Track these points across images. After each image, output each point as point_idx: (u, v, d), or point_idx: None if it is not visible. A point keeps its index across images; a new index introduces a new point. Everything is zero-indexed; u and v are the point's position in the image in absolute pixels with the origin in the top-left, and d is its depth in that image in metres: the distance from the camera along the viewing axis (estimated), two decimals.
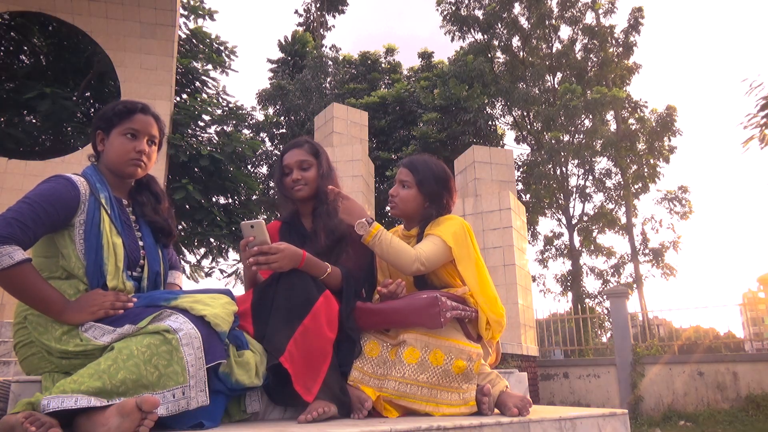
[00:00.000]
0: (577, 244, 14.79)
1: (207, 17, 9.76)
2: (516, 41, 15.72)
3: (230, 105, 10.21)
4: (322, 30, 20.91)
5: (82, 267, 1.46)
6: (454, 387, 1.69)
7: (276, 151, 15.56)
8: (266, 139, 15.74)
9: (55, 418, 1.16)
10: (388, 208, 2.10)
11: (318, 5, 21.18)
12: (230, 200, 9.67)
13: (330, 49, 18.22)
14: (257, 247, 1.67)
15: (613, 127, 14.85)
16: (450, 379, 1.70)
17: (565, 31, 17.97)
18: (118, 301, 1.42)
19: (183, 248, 9.76)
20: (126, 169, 1.60)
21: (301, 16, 21.42)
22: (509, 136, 28.69)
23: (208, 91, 10.11)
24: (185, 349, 1.28)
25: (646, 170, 14.23)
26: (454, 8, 15.61)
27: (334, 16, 21.64)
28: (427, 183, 2.01)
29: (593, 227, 14.84)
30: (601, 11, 15.52)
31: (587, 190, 14.72)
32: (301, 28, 20.51)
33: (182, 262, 10.20)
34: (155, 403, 1.16)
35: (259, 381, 1.51)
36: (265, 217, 13.55)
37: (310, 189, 1.97)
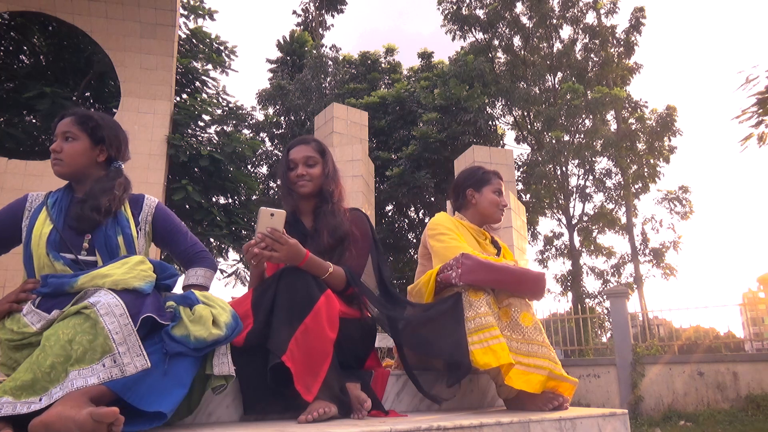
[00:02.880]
0: (577, 244, 14.80)
1: (207, 17, 9.76)
2: (517, 41, 15.74)
3: (230, 105, 10.20)
4: (321, 30, 20.91)
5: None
6: (548, 343, 1.88)
7: (276, 151, 15.56)
8: (266, 139, 15.74)
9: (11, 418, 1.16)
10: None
11: (317, 5, 21.18)
12: (230, 200, 9.66)
13: (330, 49, 18.23)
14: (269, 228, 1.68)
15: (613, 127, 14.85)
16: (544, 336, 1.88)
17: (566, 31, 18.02)
18: (22, 291, 1.54)
19: None
20: (53, 170, 1.77)
21: (299, 16, 21.43)
22: (509, 136, 28.69)
23: (208, 91, 10.11)
24: (105, 318, 1.28)
25: (646, 170, 14.24)
26: (455, 7, 15.62)
27: (333, 16, 21.66)
28: None
29: (593, 227, 14.85)
30: (602, 11, 15.54)
31: (587, 190, 14.74)
32: (299, 28, 20.51)
33: None
34: (113, 413, 1.11)
35: (221, 331, 1.42)
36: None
37: (314, 186, 1.99)
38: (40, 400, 1.18)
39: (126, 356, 1.26)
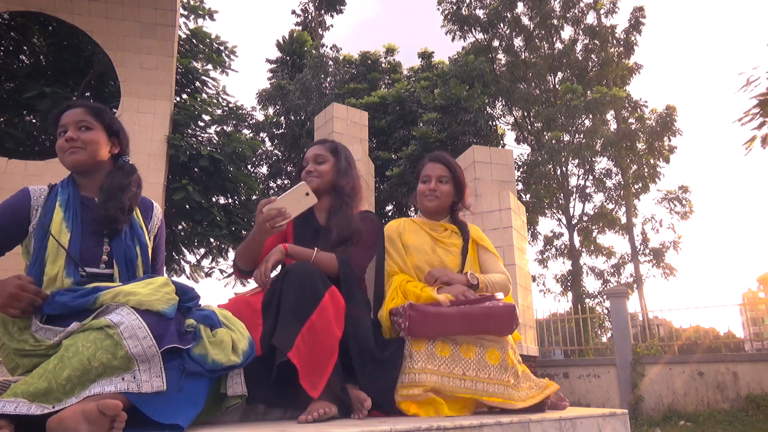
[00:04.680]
0: (577, 244, 14.80)
1: (207, 17, 9.76)
2: (518, 41, 15.73)
3: (230, 105, 10.20)
4: (320, 30, 20.91)
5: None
6: (521, 387, 1.76)
7: (276, 151, 15.57)
8: (266, 139, 15.74)
9: (14, 419, 1.17)
10: (426, 203, 2.22)
11: (316, 5, 21.19)
12: (230, 200, 9.66)
13: (330, 48, 18.23)
14: (283, 208, 1.69)
15: (613, 127, 14.85)
16: (518, 380, 1.76)
17: (566, 32, 18.03)
18: (38, 296, 1.43)
19: (183, 248, 9.75)
20: (66, 160, 1.68)
21: (298, 16, 21.44)
22: (509, 136, 28.68)
23: (208, 91, 10.11)
24: (129, 341, 1.27)
25: (646, 170, 14.22)
26: (455, 8, 15.61)
27: (332, 16, 21.66)
28: (459, 180, 2.24)
29: (593, 227, 14.84)
30: (602, 11, 15.53)
31: (587, 190, 14.73)
32: (299, 28, 20.51)
33: (182, 262, 10.19)
34: (117, 406, 1.14)
35: (238, 358, 1.45)
36: None
37: (322, 182, 2.06)
38: (53, 407, 1.19)
39: (145, 374, 1.28)
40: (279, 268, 1.92)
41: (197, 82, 9.91)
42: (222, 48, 10.08)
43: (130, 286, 1.41)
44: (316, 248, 1.88)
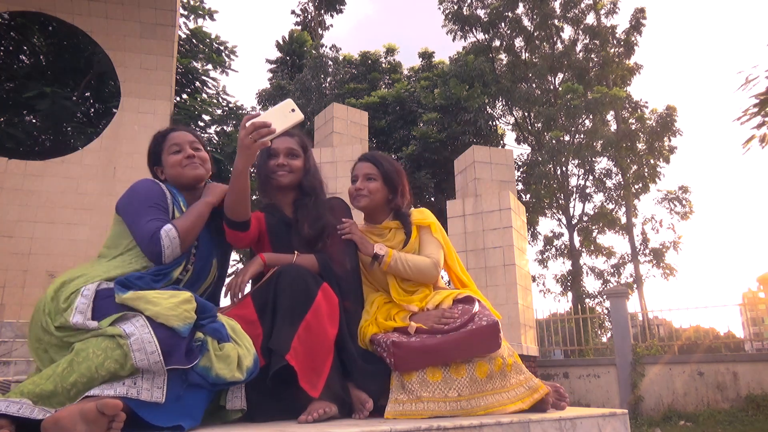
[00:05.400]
0: (577, 244, 14.80)
1: (207, 17, 9.78)
2: (519, 41, 15.73)
3: (230, 105, 10.22)
4: (320, 30, 20.91)
5: None
6: (511, 384, 1.75)
7: None
8: None
9: (16, 419, 1.17)
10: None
11: (315, 4, 21.20)
12: None
13: (330, 48, 18.23)
14: (262, 122, 1.61)
15: (613, 127, 14.85)
16: (506, 380, 1.75)
17: (566, 32, 18.08)
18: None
19: None
20: (187, 174, 1.80)
21: (298, 16, 21.44)
22: (509, 136, 28.70)
23: (208, 91, 10.12)
24: (136, 354, 1.28)
25: (646, 170, 14.23)
26: (456, 7, 15.62)
27: (332, 16, 21.66)
28: (389, 175, 2.09)
29: (593, 227, 14.84)
30: (602, 11, 15.54)
31: (587, 190, 14.73)
32: (298, 28, 20.51)
33: None
34: (116, 406, 1.16)
35: (242, 375, 1.45)
36: None
37: (294, 178, 2.01)
38: (56, 411, 1.20)
39: (147, 382, 1.29)
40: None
41: (197, 82, 9.93)
42: (222, 48, 10.10)
43: (154, 293, 1.42)
44: (296, 252, 1.86)
